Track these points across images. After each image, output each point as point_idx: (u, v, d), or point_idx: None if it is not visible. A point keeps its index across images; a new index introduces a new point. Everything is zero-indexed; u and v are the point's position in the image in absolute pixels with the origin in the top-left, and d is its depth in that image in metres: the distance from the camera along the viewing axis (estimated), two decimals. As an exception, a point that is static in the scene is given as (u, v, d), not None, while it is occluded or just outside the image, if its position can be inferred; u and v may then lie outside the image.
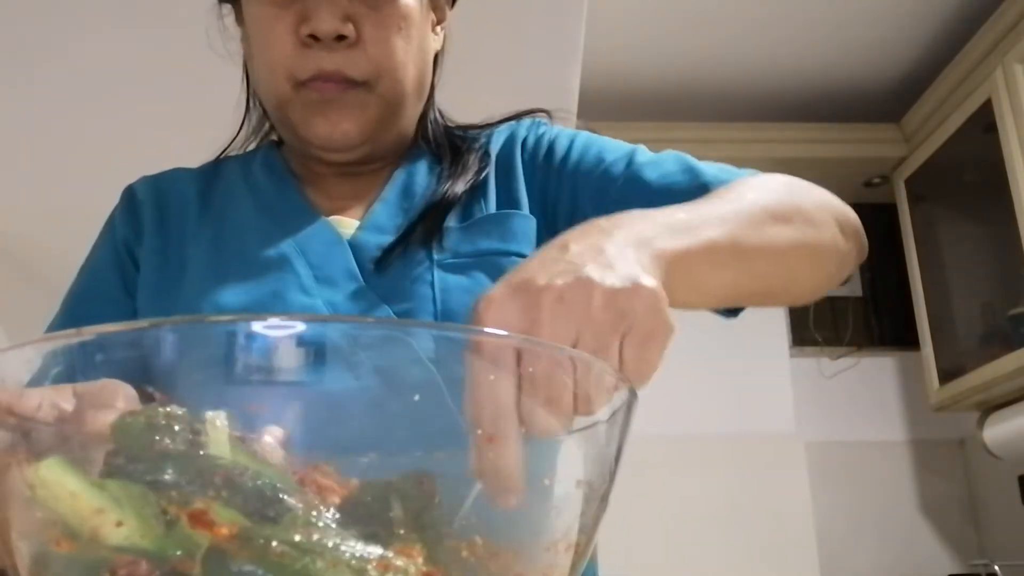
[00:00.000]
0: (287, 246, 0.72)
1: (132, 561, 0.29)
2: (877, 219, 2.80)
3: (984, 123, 2.18)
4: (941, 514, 2.67)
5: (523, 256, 0.72)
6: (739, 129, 2.57)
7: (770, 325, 2.74)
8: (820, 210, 0.65)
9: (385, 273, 0.70)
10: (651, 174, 0.72)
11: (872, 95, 2.58)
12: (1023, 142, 2.05)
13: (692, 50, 2.39)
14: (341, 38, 0.69)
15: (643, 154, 0.75)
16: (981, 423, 2.35)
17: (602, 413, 0.37)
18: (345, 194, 0.78)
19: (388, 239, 0.72)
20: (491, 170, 0.78)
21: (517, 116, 0.85)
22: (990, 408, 2.33)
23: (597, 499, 0.37)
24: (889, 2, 2.22)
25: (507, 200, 0.76)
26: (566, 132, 0.80)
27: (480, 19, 1.65)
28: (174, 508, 0.28)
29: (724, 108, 2.61)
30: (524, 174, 0.78)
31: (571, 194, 0.75)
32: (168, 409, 0.31)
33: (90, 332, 0.30)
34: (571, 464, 0.37)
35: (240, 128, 0.86)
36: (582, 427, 0.37)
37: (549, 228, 0.75)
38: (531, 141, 0.80)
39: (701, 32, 2.32)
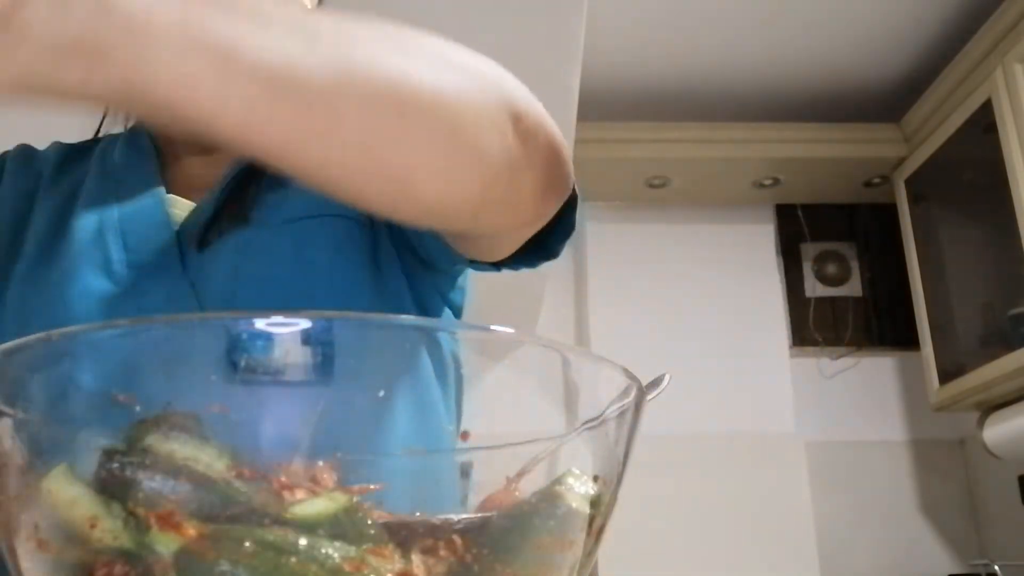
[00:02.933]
0: (108, 225, 0.67)
1: (109, 562, 0.29)
2: (877, 219, 2.81)
3: (984, 123, 2.18)
4: (941, 514, 2.66)
5: (343, 216, 0.67)
6: (739, 129, 2.57)
7: (770, 325, 2.74)
8: (488, 82, 0.49)
9: (202, 259, 0.65)
10: None
11: (872, 95, 2.58)
12: (1023, 142, 2.05)
13: (692, 50, 2.39)
14: None
15: None
16: (981, 423, 2.35)
17: (611, 411, 0.37)
18: (203, 175, 0.72)
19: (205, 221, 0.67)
20: None
21: None
22: (990, 408, 2.33)
23: (606, 499, 0.37)
24: (889, 2, 2.22)
25: None
26: None
27: (480, 19, 1.65)
28: (142, 510, 0.28)
29: (724, 108, 2.61)
30: None
31: None
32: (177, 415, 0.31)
33: (57, 334, 0.30)
34: (580, 464, 0.37)
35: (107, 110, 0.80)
36: (590, 424, 0.37)
37: None
38: None
39: (701, 32, 2.32)
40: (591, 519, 0.37)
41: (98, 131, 0.81)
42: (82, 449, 0.32)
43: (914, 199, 2.53)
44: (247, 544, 0.27)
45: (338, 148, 0.42)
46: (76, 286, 0.64)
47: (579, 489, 0.36)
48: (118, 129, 0.80)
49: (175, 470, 0.29)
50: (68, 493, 0.30)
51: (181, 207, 0.70)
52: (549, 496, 0.35)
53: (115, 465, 0.30)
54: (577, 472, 0.37)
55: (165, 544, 0.28)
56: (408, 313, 0.69)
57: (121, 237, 0.67)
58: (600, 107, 2.52)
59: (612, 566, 2.08)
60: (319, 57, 0.39)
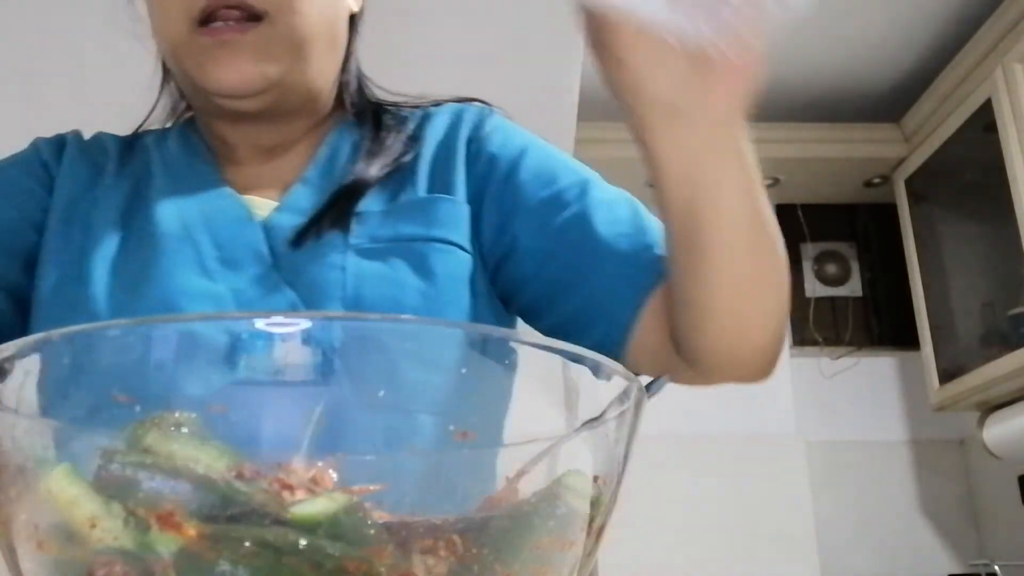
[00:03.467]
0: (194, 224, 0.68)
1: (109, 562, 0.29)
2: (877, 219, 2.81)
3: (984, 123, 2.18)
4: (941, 514, 2.66)
5: (449, 243, 0.69)
6: (739, 129, 2.57)
7: (770, 325, 2.74)
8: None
9: (297, 257, 0.67)
10: (601, 218, 0.68)
11: (872, 95, 2.58)
12: (1023, 142, 2.05)
13: (692, 50, 2.39)
14: None
15: (597, 189, 0.71)
16: (981, 423, 2.35)
17: (611, 411, 0.37)
18: (262, 174, 0.74)
19: (305, 221, 0.69)
20: (421, 154, 0.74)
21: (458, 100, 0.80)
22: (990, 408, 2.33)
23: (606, 499, 0.37)
24: (889, 2, 2.22)
25: (440, 186, 0.72)
26: (518, 136, 0.76)
27: (480, 19, 1.65)
28: (142, 510, 0.28)
29: (724, 108, 2.61)
30: (466, 163, 0.74)
31: (509, 207, 0.71)
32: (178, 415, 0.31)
33: (58, 334, 0.30)
34: (580, 464, 0.37)
35: (155, 104, 0.82)
36: (590, 424, 0.37)
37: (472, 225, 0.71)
38: (478, 133, 0.75)
39: (701, 32, 2.31)
40: (591, 519, 0.37)
41: (139, 127, 0.82)
42: (82, 449, 0.32)
43: (914, 199, 2.52)
44: (247, 544, 0.27)
45: (742, 255, 0.58)
46: (172, 282, 0.65)
47: (579, 489, 0.36)
48: (156, 125, 0.82)
49: (175, 470, 0.29)
50: (68, 493, 0.30)
51: (259, 206, 0.71)
52: (549, 496, 0.35)
53: (115, 465, 0.30)
54: (577, 472, 0.37)
55: (165, 544, 0.28)
56: None
57: (209, 234, 0.68)
58: (600, 107, 2.51)
59: (612, 566, 2.08)
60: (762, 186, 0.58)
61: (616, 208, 0.69)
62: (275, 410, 0.32)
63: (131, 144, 0.79)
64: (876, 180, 2.69)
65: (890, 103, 2.58)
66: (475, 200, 0.72)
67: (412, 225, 0.69)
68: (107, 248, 0.68)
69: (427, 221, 0.69)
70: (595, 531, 0.37)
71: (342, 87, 0.78)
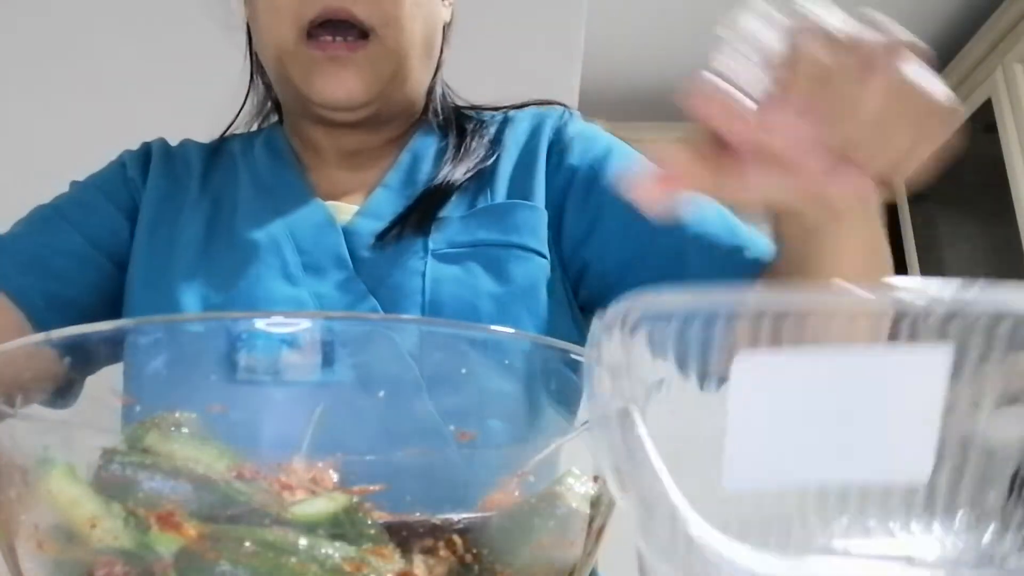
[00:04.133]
0: (278, 230, 0.69)
1: (109, 561, 0.29)
2: (877, 219, 2.81)
3: (984, 123, 2.18)
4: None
5: (527, 249, 0.69)
6: (739, 129, 2.57)
7: (770, 325, 2.74)
8: None
9: (377, 261, 0.68)
10: (689, 220, 0.68)
11: (872, 95, 2.58)
12: (1023, 142, 2.05)
13: (692, 50, 2.39)
14: None
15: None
16: (981, 423, 2.35)
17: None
18: (348, 179, 0.75)
19: (386, 224, 0.69)
20: (502, 158, 0.75)
21: (537, 103, 0.81)
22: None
23: (606, 499, 0.37)
24: (889, 2, 2.22)
25: (520, 191, 0.73)
26: (599, 141, 0.76)
27: (480, 19, 1.65)
28: (142, 510, 0.28)
29: (724, 108, 2.61)
30: (546, 170, 0.74)
31: (593, 214, 0.71)
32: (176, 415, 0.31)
33: (58, 335, 0.30)
34: (580, 464, 0.37)
35: (244, 102, 0.83)
36: (590, 424, 0.37)
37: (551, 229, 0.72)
38: (560, 138, 0.76)
39: (701, 32, 2.32)
40: (591, 519, 0.37)
41: (225, 132, 0.83)
42: (82, 449, 0.32)
43: (914, 199, 2.53)
44: (247, 544, 0.27)
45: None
46: (258, 290, 0.65)
47: (579, 489, 0.36)
48: (241, 130, 0.83)
49: (175, 470, 0.29)
50: (68, 493, 0.30)
51: (342, 210, 0.71)
52: (549, 496, 0.35)
53: (115, 465, 0.30)
54: (577, 472, 0.37)
55: (165, 544, 0.28)
56: None
57: (293, 241, 0.68)
58: (600, 107, 2.51)
59: (612, 566, 2.08)
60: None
61: (703, 209, 0.69)
62: (277, 410, 0.32)
63: (216, 151, 0.80)
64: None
65: (890, 103, 2.58)
66: (556, 207, 0.73)
67: (490, 231, 0.69)
68: (193, 259, 0.69)
69: (505, 227, 0.70)
70: (595, 531, 0.37)
71: (430, 94, 0.80)
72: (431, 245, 0.68)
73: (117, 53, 1.67)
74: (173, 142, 0.81)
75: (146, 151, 0.79)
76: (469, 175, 0.73)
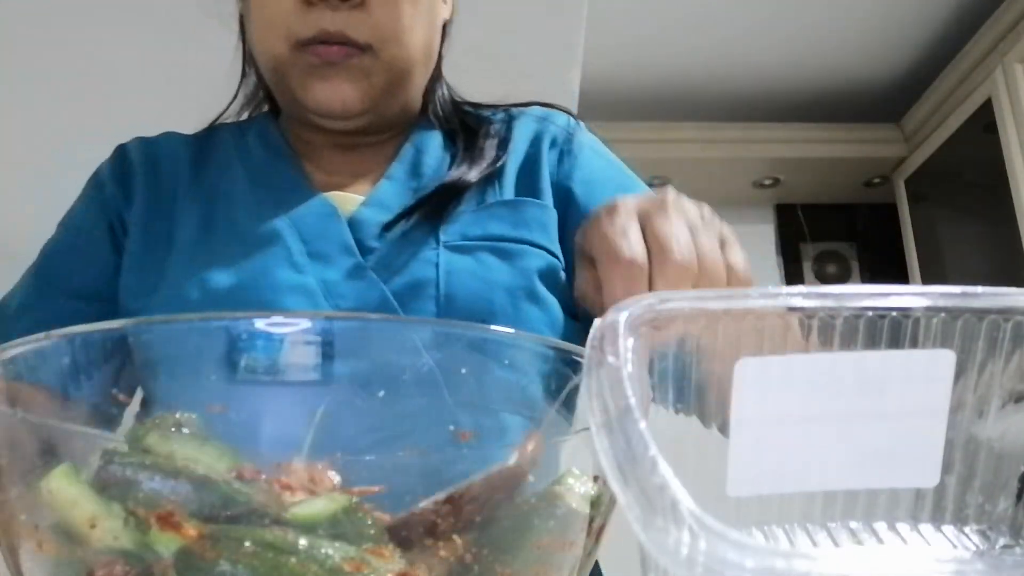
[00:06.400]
0: (279, 220, 0.68)
1: (109, 561, 0.29)
2: (877, 219, 2.81)
3: (984, 123, 2.18)
4: None
5: (536, 245, 0.70)
6: (739, 129, 2.57)
7: (770, 325, 2.73)
8: None
9: (387, 251, 0.67)
10: None
11: (872, 95, 2.58)
12: (1023, 142, 2.05)
13: (692, 50, 2.39)
14: None
15: None
16: (981, 423, 2.34)
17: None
18: (344, 169, 0.75)
19: (395, 214, 0.69)
20: (509, 157, 0.75)
21: (543, 104, 0.82)
22: (990, 408, 2.33)
23: (606, 499, 0.37)
24: (889, 2, 2.22)
25: (527, 189, 0.73)
26: (598, 163, 0.76)
27: (480, 19, 1.65)
28: (142, 510, 0.28)
29: (724, 108, 2.61)
30: (550, 178, 0.74)
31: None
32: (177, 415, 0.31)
33: (57, 335, 0.30)
34: (580, 464, 0.37)
35: (235, 94, 0.82)
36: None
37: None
38: (562, 153, 0.76)
39: (701, 32, 2.32)
40: (591, 519, 0.37)
41: (215, 121, 0.82)
42: (82, 449, 0.31)
43: (914, 199, 2.52)
44: (247, 544, 0.27)
45: None
46: (263, 279, 0.65)
47: (579, 489, 0.36)
48: (232, 118, 0.82)
49: (175, 470, 0.29)
50: (68, 493, 0.30)
51: (343, 201, 0.71)
52: (549, 496, 0.35)
53: (115, 465, 0.29)
54: (577, 472, 0.37)
55: (165, 544, 0.28)
56: None
57: (295, 230, 0.68)
58: (600, 107, 2.51)
59: (612, 566, 2.08)
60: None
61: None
62: (277, 410, 0.32)
63: (205, 141, 0.79)
64: (876, 180, 2.69)
65: (890, 103, 2.58)
66: (560, 215, 0.73)
67: (502, 225, 0.70)
68: (193, 252, 0.68)
69: (515, 222, 0.70)
70: (595, 531, 0.37)
71: (428, 91, 0.79)
72: (443, 237, 0.68)
73: (107, 43, 1.67)
74: (153, 133, 0.80)
75: (123, 159, 0.77)
76: (482, 175, 0.73)
